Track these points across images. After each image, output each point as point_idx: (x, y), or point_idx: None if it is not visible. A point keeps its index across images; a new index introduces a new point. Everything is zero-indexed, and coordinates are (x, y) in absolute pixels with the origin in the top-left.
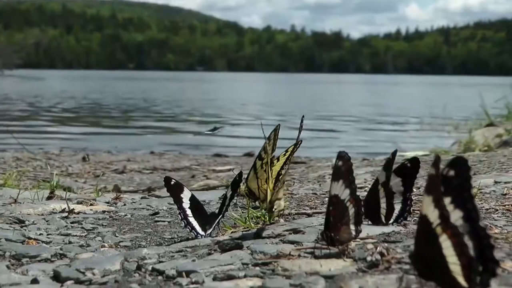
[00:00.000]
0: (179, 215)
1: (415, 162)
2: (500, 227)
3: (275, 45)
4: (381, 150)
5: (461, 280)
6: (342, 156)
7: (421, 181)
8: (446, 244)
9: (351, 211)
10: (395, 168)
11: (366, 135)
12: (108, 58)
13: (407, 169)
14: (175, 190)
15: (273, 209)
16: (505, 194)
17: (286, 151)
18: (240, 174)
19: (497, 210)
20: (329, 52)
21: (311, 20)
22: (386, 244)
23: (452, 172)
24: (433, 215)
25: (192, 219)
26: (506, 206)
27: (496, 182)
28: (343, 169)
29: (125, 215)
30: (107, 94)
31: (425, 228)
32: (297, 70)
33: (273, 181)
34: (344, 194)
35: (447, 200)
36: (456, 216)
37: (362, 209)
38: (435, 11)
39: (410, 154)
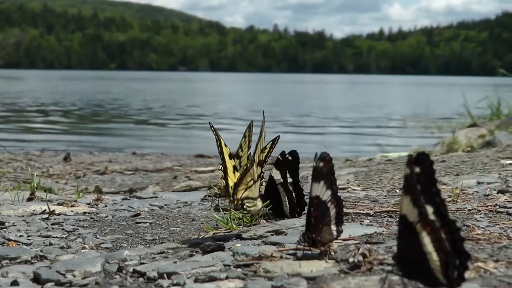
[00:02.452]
0: None
1: (294, 154)
2: (483, 228)
3: (258, 45)
4: (364, 151)
5: (440, 276)
6: (323, 157)
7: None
8: (426, 241)
9: (332, 212)
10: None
11: (349, 136)
12: (89, 58)
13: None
14: None
15: (243, 206)
16: (488, 195)
17: (265, 148)
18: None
19: (479, 211)
20: (312, 52)
21: (294, 20)
22: (368, 245)
23: (417, 169)
24: (413, 214)
25: None
26: (489, 206)
27: (479, 183)
28: (324, 170)
29: (106, 217)
30: (88, 94)
31: (406, 227)
32: (280, 70)
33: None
34: (326, 195)
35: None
36: (428, 212)
37: (343, 210)
38: (418, 11)
39: (393, 155)
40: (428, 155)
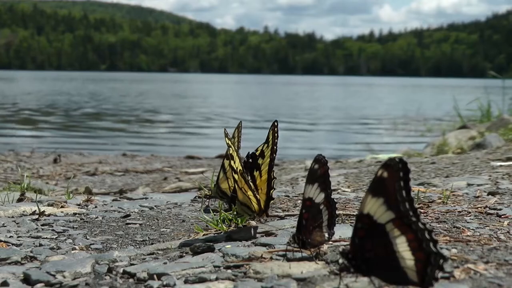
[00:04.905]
0: None
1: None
2: (473, 229)
3: (248, 46)
4: (355, 152)
5: (413, 275)
6: (319, 160)
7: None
8: (399, 241)
9: (325, 214)
10: None
11: (340, 137)
12: (80, 59)
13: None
14: None
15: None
16: (478, 197)
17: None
18: None
19: (469, 212)
20: (302, 53)
21: (284, 21)
22: None
23: (385, 174)
24: (384, 215)
25: None
26: (479, 208)
27: (469, 185)
28: (319, 173)
29: (96, 218)
30: (78, 96)
31: (369, 226)
32: (270, 71)
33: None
34: (319, 197)
35: (380, 201)
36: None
37: (336, 212)
38: (408, 13)
39: (383, 157)
40: (398, 160)
